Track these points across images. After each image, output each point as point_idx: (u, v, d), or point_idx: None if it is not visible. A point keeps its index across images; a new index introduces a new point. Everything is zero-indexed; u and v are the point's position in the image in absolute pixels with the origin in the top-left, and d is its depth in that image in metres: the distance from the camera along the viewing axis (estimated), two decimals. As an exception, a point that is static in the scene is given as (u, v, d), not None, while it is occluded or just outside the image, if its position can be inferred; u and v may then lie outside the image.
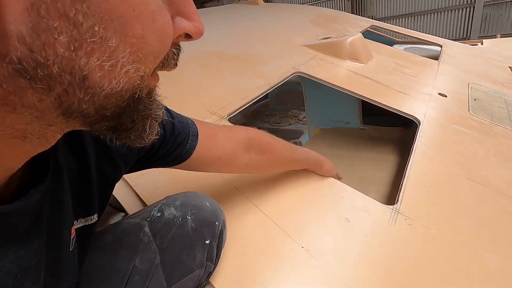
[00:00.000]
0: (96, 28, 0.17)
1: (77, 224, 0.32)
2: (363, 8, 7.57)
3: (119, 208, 1.06)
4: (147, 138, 0.25)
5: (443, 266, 0.54)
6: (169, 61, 0.24)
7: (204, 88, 0.97)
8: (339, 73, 1.25)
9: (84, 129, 0.22)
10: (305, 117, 1.92)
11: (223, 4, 10.11)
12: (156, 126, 0.25)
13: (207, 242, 0.44)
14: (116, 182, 0.38)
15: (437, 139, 0.91)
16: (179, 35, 0.23)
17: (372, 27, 2.21)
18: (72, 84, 0.17)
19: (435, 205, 0.67)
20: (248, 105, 0.92)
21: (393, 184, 0.98)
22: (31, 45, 0.15)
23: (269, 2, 8.38)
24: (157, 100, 0.25)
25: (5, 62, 0.15)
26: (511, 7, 5.82)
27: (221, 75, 1.07)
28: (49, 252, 0.26)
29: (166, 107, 0.45)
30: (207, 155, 0.48)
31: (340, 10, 7.75)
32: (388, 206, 0.65)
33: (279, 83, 1.08)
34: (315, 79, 1.17)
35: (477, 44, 2.90)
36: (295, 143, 2.14)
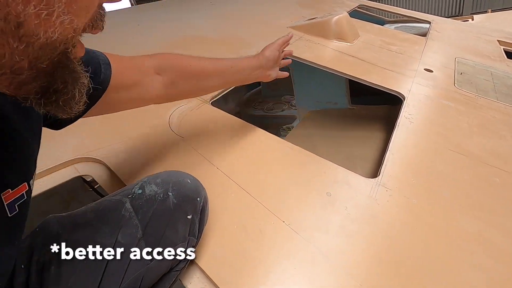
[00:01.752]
0: None
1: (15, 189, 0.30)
2: (354, -11, 7.44)
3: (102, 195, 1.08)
4: (74, 107, 0.25)
5: (423, 233, 0.55)
6: (97, 22, 0.25)
7: (187, 74, 0.96)
8: (326, 53, 1.24)
9: (9, 92, 0.21)
10: (296, 101, 1.92)
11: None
12: (84, 95, 0.25)
13: (189, 217, 0.44)
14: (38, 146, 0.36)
15: (421, 113, 0.91)
16: None
17: (360, 6, 2.18)
18: (5, 31, 0.17)
19: (416, 176, 0.68)
20: (231, 88, 0.92)
21: (379, 160, 0.99)
22: None
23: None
24: (83, 70, 0.26)
25: None
26: (504, -19, 5.74)
27: (204, 60, 1.06)
28: None
29: None
30: (123, 83, 0.45)
31: (331, -8, 7.61)
32: (369, 179, 0.66)
33: (263, 65, 1.07)
34: (301, 60, 1.16)
35: (468, 20, 2.87)
36: (288, 128, 2.14)
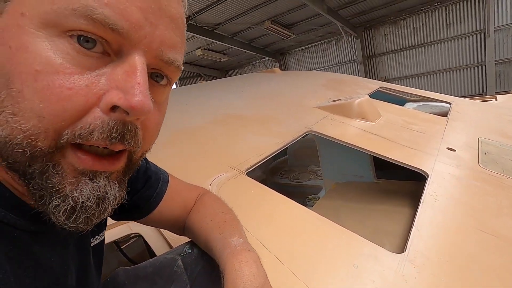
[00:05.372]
0: None
1: (94, 241, 0.41)
2: (375, 69, 8.07)
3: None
4: (53, 215, 0.24)
5: (453, 315, 0.54)
6: (93, 133, 0.24)
7: (225, 146, 1.11)
8: (349, 131, 1.36)
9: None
10: (322, 172, 1.99)
11: (244, 72, 11.20)
12: (67, 209, 0.24)
13: None
14: None
15: (446, 191, 0.94)
16: (112, 108, 0.24)
17: (381, 88, 2.39)
18: None
19: (444, 254, 0.69)
20: (264, 160, 1.03)
21: (405, 235, 0.99)
22: None
23: (286, 69, 9.17)
24: (73, 182, 0.25)
25: None
26: (524, 64, 5.97)
27: (240, 134, 1.22)
28: (80, 256, 0.34)
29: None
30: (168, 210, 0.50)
31: (353, 72, 8.30)
32: (396, 254, 0.68)
33: (292, 141, 1.20)
34: (326, 136, 1.28)
35: (491, 100, 2.97)
36: (314, 198, 2.16)
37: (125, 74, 0.24)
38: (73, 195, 0.24)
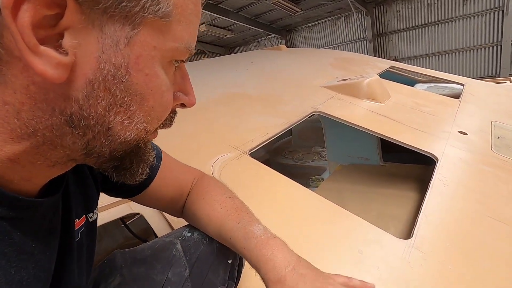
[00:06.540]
0: (125, 99, 0.25)
1: (91, 218, 0.39)
2: (385, 49, 7.79)
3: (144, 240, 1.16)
4: (137, 178, 0.32)
5: (460, 304, 0.53)
6: (167, 122, 0.33)
7: (229, 126, 1.07)
8: (357, 112, 1.31)
9: (94, 166, 0.30)
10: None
11: (250, 49, 10.90)
12: (146, 169, 0.33)
13: (229, 261, 0.48)
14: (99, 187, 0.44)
15: (456, 177, 0.91)
16: (176, 104, 0.33)
17: (392, 67, 2.29)
18: (100, 132, 0.26)
19: (452, 241, 0.67)
20: (268, 141, 1.00)
21: (412, 221, 0.97)
22: (82, 105, 0.24)
23: (292, 47, 8.87)
24: (150, 149, 0.33)
25: (61, 115, 0.24)
26: (542, 45, 5.71)
27: (244, 114, 1.18)
28: (62, 240, 0.33)
29: None
30: (162, 189, 0.48)
31: (362, 51, 8.03)
32: (402, 240, 0.66)
33: (298, 121, 1.16)
34: (333, 117, 1.24)
35: (505, 82, 2.85)
36: (318, 179, 2.15)
37: (181, 78, 0.32)
38: (152, 158, 0.33)
